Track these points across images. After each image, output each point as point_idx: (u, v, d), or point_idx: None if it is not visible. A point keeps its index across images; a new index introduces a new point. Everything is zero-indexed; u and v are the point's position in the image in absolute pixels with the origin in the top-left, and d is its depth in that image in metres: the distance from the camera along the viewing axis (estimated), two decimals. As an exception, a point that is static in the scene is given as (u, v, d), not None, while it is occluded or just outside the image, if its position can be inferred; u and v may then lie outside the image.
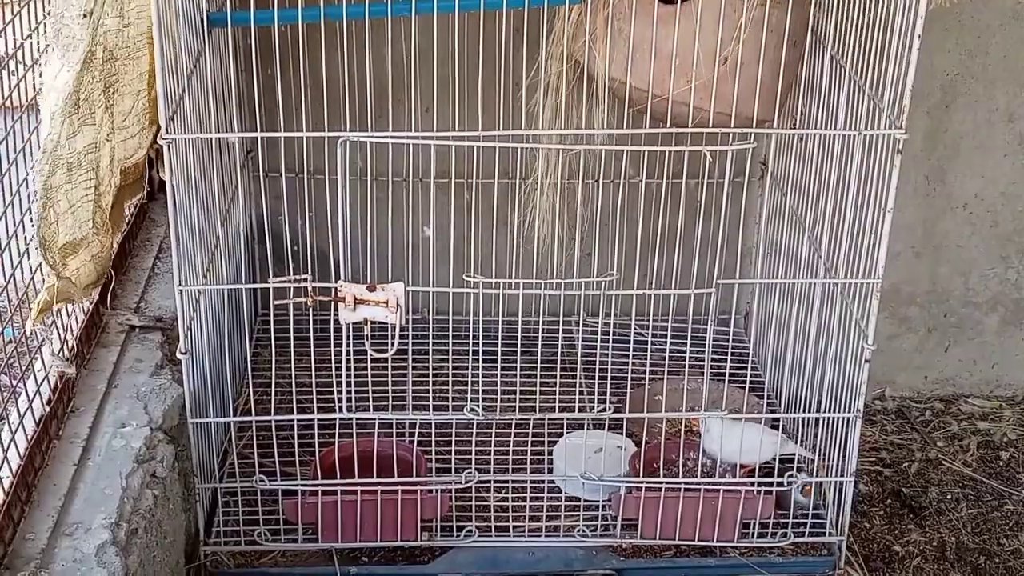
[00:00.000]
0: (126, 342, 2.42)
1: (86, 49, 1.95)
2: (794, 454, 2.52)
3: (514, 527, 2.51)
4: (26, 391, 2.03)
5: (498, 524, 2.50)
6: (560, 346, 2.67)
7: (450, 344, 2.44)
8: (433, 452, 2.58)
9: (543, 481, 2.55)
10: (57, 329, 2.18)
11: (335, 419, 2.35)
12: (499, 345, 2.63)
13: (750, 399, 2.80)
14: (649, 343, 2.79)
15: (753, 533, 2.48)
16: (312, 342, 2.41)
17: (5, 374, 2.00)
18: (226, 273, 2.57)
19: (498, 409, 2.59)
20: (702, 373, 2.47)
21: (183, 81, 2.12)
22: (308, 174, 2.70)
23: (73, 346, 2.24)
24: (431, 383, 2.60)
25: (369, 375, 2.27)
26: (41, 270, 2.08)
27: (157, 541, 2.11)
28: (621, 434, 2.63)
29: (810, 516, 2.49)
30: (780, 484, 2.46)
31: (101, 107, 2.13)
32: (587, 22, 2.34)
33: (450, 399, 2.56)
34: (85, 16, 1.93)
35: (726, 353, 2.40)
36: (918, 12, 2.09)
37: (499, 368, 2.73)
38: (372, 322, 2.20)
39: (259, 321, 3.05)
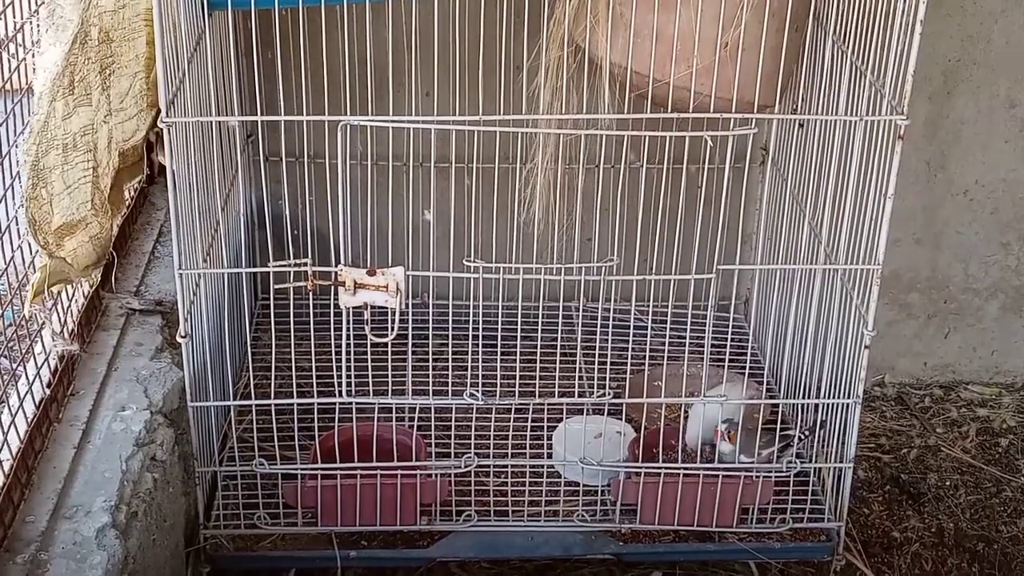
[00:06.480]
0: (126, 326, 2.42)
1: (76, 28, 1.94)
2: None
3: (513, 512, 2.51)
4: (26, 374, 2.03)
5: (497, 509, 2.50)
6: (560, 331, 2.67)
7: (450, 329, 2.44)
8: (432, 437, 2.58)
9: (542, 466, 2.55)
10: (57, 312, 2.18)
11: (335, 403, 2.35)
12: (499, 330, 2.63)
13: (749, 384, 2.80)
14: (649, 328, 2.78)
15: (752, 519, 2.48)
16: (312, 326, 2.41)
17: (5, 357, 2.01)
18: (226, 257, 2.57)
19: (497, 394, 2.60)
20: (702, 359, 2.47)
21: (183, 64, 2.11)
22: (308, 158, 2.70)
23: (73, 329, 2.24)
24: (431, 368, 2.59)
25: (369, 359, 2.27)
26: (30, 249, 2.07)
27: (157, 524, 2.11)
28: (620, 419, 2.63)
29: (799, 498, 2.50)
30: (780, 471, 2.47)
31: (98, 88, 2.12)
32: (588, 6, 2.34)
33: (450, 384, 2.56)
34: None
35: (726, 339, 2.40)
36: (920, -2, 2.08)
37: (499, 353, 2.73)
38: (372, 306, 2.19)
39: (259, 305, 3.05)
